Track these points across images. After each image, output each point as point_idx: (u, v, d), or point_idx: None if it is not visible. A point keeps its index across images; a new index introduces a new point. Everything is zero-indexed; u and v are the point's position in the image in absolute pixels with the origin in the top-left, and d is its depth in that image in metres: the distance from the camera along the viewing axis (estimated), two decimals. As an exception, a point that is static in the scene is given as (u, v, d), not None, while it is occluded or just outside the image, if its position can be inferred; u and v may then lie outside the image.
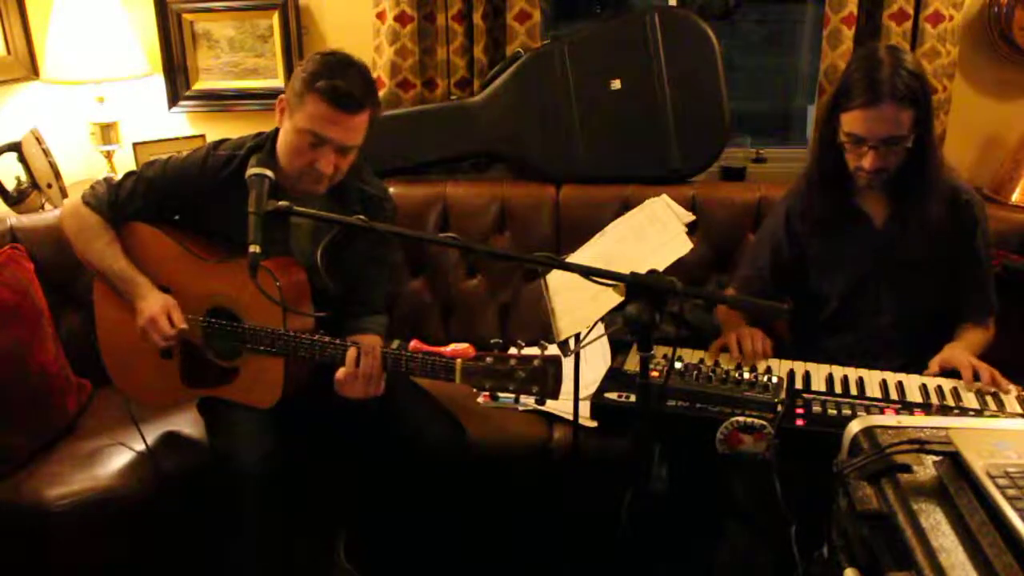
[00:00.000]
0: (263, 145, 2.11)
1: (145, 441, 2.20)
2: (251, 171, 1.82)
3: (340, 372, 1.93)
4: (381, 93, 2.91)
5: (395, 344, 2.02)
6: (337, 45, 2.19)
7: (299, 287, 2.07)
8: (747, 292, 2.32)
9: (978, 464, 1.18)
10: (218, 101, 3.15)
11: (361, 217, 1.72)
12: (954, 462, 1.24)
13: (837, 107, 2.10)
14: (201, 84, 3.15)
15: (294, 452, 2.13)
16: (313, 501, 2.38)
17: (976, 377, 2.02)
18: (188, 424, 2.30)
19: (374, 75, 2.83)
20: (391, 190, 2.44)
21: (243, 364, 2.08)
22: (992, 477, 1.15)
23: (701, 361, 2.08)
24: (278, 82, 3.05)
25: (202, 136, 3.11)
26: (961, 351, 2.12)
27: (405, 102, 2.96)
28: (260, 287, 1.76)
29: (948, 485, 1.21)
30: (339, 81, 1.95)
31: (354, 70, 2.00)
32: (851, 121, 2.06)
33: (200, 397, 2.20)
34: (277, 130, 2.09)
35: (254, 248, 1.73)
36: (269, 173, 1.81)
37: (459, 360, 1.85)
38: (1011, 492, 1.12)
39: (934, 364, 2.10)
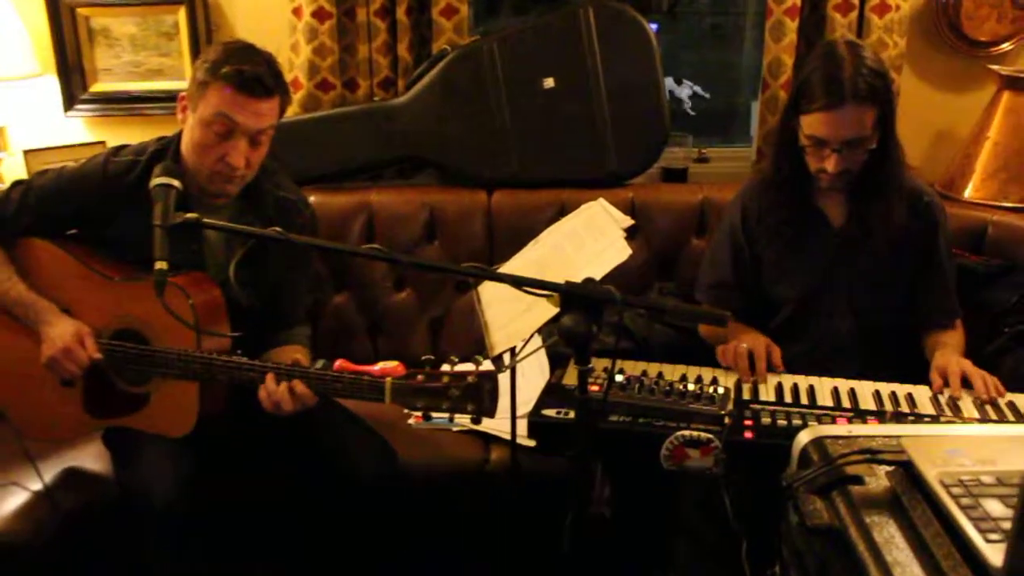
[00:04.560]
0: (166, 150, 2.07)
1: (42, 479, 2.12)
2: (155, 181, 1.78)
3: (262, 392, 1.91)
4: (299, 95, 2.90)
5: (320, 364, 1.99)
6: (250, 43, 2.16)
7: (214, 304, 2.03)
8: (718, 301, 2.34)
9: (931, 473, 1.20)
10: (119, 104, 3.08)
11: (278, 230, 1.69)
12: (907, 472, 1.26)
13: (797, 108, 2.13)
14: (100, 86, 3.07)
15: (212, 484, 2.09)
16: (236, 537, 2.32)
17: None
18: (91, 458, 2.24)
19: (290, 76, 2.82)
20: (311, 199, 2.41)
21: (154, 390, 2.03)
22: (946, 486, 1.17)
23: (643, 373, 2.09)
24: (184, 83, 2.98)
25: (102, 143, 3.03)
26: (952, 356, 2.15)
27: (325, 104, 2.94)
28: (167, 307, 1.72)
29: (901, 496, 1.22)
30: (245, 66, 1.94)
31: (260, 57, 2.00)
32: (812, 124, 2.09)
33: (106, 428, 2.14)
34: (180, 134, 2.06)
35: (160, 264, 1.69)
36: (175, 182, 1.77)
37: (388, 379, 1.83)
38: (965, 501, 1.14)
39: (935, 376, 2.11)
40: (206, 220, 1.75)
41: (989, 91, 2.98)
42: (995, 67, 2.94)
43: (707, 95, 4.07)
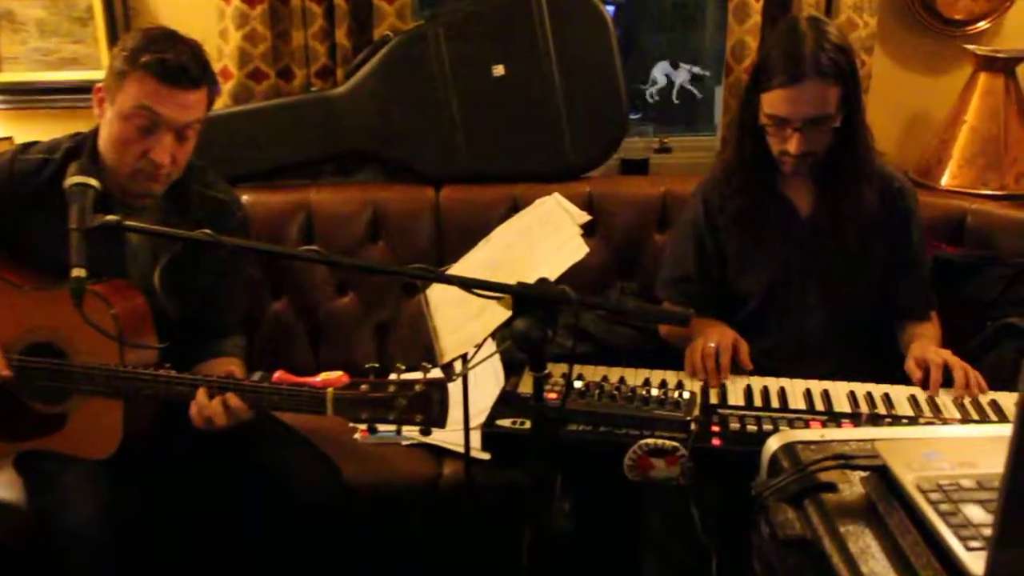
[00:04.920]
0: (82, 147, 2.04)
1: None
2: (71, 180, 1.75)
3: (193, 408, 1.88)
4: (228, 85, 2.87)
5: (256, 376, 1.98)
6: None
7: (138, 313, 2.00)
8: (681, 298, 2.34)
9: (908, 478, 1.21)
10: (27, 96, 3.03)
11: (207, 231, 1.67)
12: (882, 477, 1.26)
13: (757, 86, 2.15)
14: (5, 76, 3.01)
15: (139, 509, 2.06)
16: (167, 567, 2.29)
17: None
18: (2, 487, 2.18)
19: (219, 65, 2.79)
20: (243, 198, 2.39)
21: (72, 409, 1.99)
22: (923, 492, 1.18)
23: (604, 378, 2.09)
24: (101, 73, 2.94)
25: (8, 139, 2.98)
26: (930, 347, 2.18)
27: (257, 95, 2.91)
28: (87, 317, 1.69)
29: (877, 503, 1.23)
30: (168, 54, 1.92)
31: (185, 44, 1.97)
32: (772, 101, 2.11)
33: (18, 452, 2.09)
34: (97, 129, 2.02)
35: (78, 272, 1.67)
36: (93, 182, 1.75)
37: (330, 389, 1.82)
38: (944, 507, 1.14)
39: (912, 368, 2.14)
40: (128, 222, 1.72)
41: (965, 72, 3.03)
42: (971, 47, 2.99)
43: (707, 73, 4.06)
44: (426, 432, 1.78)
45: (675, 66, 4.06)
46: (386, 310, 2.85)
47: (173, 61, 1.92)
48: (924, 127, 3.19)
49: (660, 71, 4.06)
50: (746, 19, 2.91)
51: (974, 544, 1.07)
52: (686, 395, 1.98)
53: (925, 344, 2.20)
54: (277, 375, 2.57)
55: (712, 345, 2.16)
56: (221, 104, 2.82)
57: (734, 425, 1.92)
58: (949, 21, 3.10)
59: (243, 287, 2.35)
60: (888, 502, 1.22)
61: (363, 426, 1.80)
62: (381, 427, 1.80)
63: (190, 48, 1.98)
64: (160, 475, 2.14)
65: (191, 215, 2.08)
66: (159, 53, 1.91)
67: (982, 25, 3.10)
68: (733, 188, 2.28)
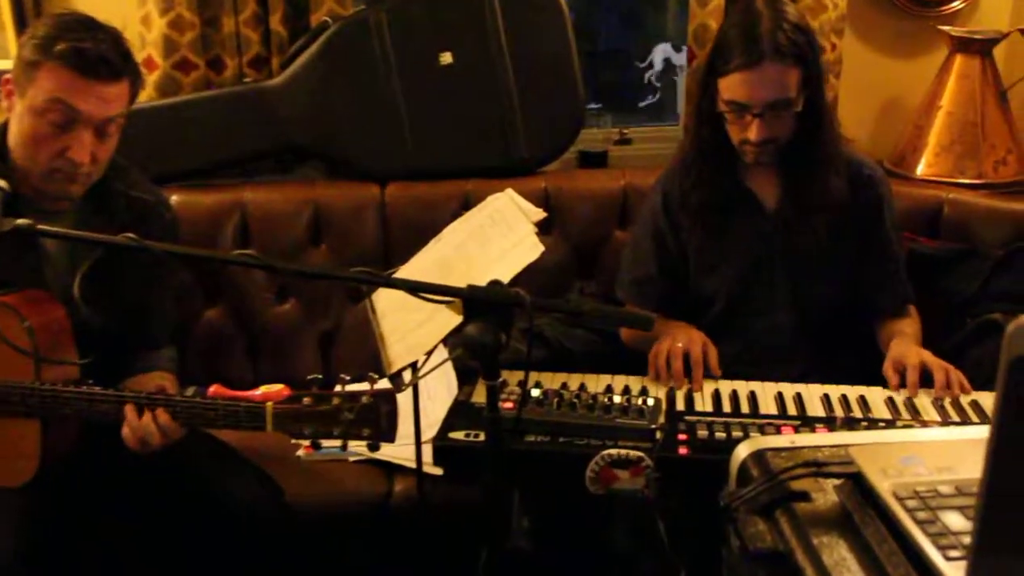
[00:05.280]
0: (-10, 146, 2.00)
1: None
2: (-25, 182, 1.73)
3: (125, 429, 1.86)
4: (153, 77, 2.84)
5: (190, 391, 1.96)
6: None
7: (56, 326, 1.97)
8: (643, 300, 2.35)
9: (884, 485, 1.22)
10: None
11: (131, 235, 1.65)
12: (857, 485, 1.27)
13: (713, 72, 2.16)
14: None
15: (63, 538, 2.02)
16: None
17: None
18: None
19: (142, 54, 2.77)
20: (172, 199, 2.37)
21: (-17, 432, 1.96)
22: (900, 499, 1.19)
23: (563, 386, 2.10)
24: (7, 64, 2.89)
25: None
26: (908, 347, 2.20)
27: (186, 87, 2.88)
28: (-2, 331, 1.67)
29: (852, 512, 1.24)
30: (85, 43, 1.89)
31: (102, 32, 1.94)
32: (730, 86, 2.12)
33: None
34: (7, 124, 1.99)
35: (-16, 282, 1.64)
36: (2, 183, 1.73)
37: (270, 403, 1.81)
38: (922, 515, 1.15)
39: (889, 371, 2.16)
40: (42, 227, 1.70)
41: (940, 55, 3.07)
42: (945, 28, 3.03)
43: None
44: (374, 447, 1.78)
45: (677, 49, 4.05)
46: (329, 318, 2.84)
47: (91, 50, 1.89)
48: (898, 113, 3.22)
49: (660, 54, 4.04)
50: (708, 1, 2.93)
51: (953, 553, 1.07)
52: (650, 402, 1.99)
53: (903, 344, 2.23)
54: (212, 389, 2.55)
55: (679, 345, 2.17)
56: (145, 97, 2.77)
57: (702, 433, 1.93)
58: (922, 1, 3.14)
59: (173, 295, 2.32)
60: (863, 511, 1.23)
61: (306, 442, 1.79)
62: (325, 443, 1.79)
63: (110, 36, 1.95)
64: (84, 502, 2.11)
65: (114, 218, 2.05)
66: (75, 42, 1.88)
67: (956, 5, 3.15)
68: (692, 182, 2.29)
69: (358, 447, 1.80)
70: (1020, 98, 3.09)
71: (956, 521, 1.13)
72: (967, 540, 1.08)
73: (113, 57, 1.92)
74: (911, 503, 1.17)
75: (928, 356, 2.15)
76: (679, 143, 3.11)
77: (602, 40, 4.23)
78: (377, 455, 2.15)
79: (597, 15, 4.16)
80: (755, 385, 2.15)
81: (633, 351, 2.37)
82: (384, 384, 1.78)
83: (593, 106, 3.20)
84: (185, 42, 2.85)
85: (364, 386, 1.76)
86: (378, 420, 1.75)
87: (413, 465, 2.08)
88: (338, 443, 1.78)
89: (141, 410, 1.86)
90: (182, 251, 1.89)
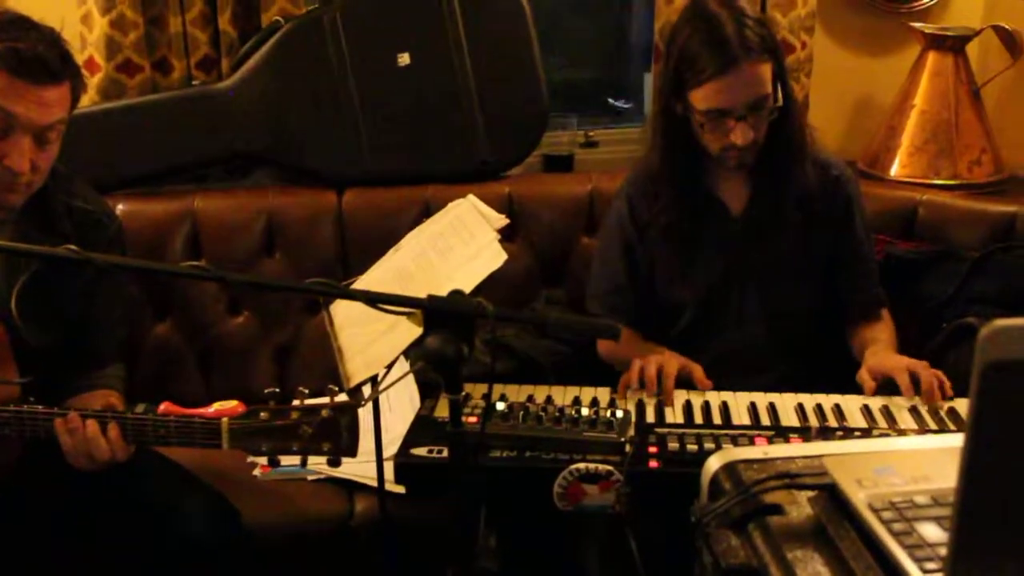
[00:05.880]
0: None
1: None
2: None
3: (66, 440, 1.85)
4: (96, 79, 2.82)
5: (140, 409, 1.95)
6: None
7: (-6, 344, 1.96)
8: (614, 313, 2.36)
9: (858, 496, 1.23)
10: None
11: (72, 247, 1.63)
12: (832, 496, 1.29)
13: (681, 84, 2.16)
14: None
15: (5, 564, 2.02)
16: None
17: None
18: None
19: (83, 56, 2.75)
20: (118, 208, 2.35)
21: (-82, 455, 1.94)
22: (875, 510, 1.20)
23: (530, 398, 2.10)
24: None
25: None
26: (887, 353, 2.22)
27: (131, 91, 2.86)
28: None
29: (827, 525, 1.25)
30: (20, 44, 1.86)
31: (39, 31, 1.92)
32: (707, 96, 2.13)
33: None
34: None
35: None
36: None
37: (225, 419, 1.81)
38: (898, 527, 1.16)
39: (865, 377, 2.16)
40: (-24, 240, 1.69)
41: (912, 53, 3.11)
42: (918, 25, 3.06)
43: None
44: (335, 463, 1.78)
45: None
46: (285, 331, 2.83)
47: (28, 51, 1.86)
48: (870, 113, 3.26)
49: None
50: (674, -2, 2.96)
51: (930, 565, 1.09)
52: (620, 414, 2.00)
53: (881, 352, 2.25)
54: (163, 407, 2.51)
55: (655, 359, 2.18)
56: (88, 101, 2.76)
57: (673, 445, 1.93)
58: (894, -2, 3.18)
59: (120, 310, 2.31)
60: (838, 523, 1.24)
61: (263, 460, 1.79)
62: (284, 460, 1.79)
63: (47, 36, 1.92)
64: (28, 528, 2.10)
65: (55, 229, 2.04)
66: (10, 42, 1.86)
67: (928, 1, 3.20)
68: (660, 200, 2.30)
69: (318, 464, 1.79)
70: (994, 97, 3.14)
71: (932, 532, 1.14)
72: (944, 551, 1.09)
73: (51, 58, 1.90)
74: (887, 514, 1.19)
75: (910, 361, 2.16)
76: (645, 150, 3.15)
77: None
78: (337, 473, 2.15)
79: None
80: (727, 395, 2.16)
81: (601, 361, 2.38)
82: (344, 398, 1.78)
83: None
84: (129, 43, 2.82)
85: (324, 400, 1.76)
86: (339, 434, 1.75)
87: (374, 483, 2.08)
88: (297, 459, 1.78)
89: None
90: (128, 263, 1.88)
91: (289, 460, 1.79)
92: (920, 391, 2.09)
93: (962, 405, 2.09)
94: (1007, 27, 3.00)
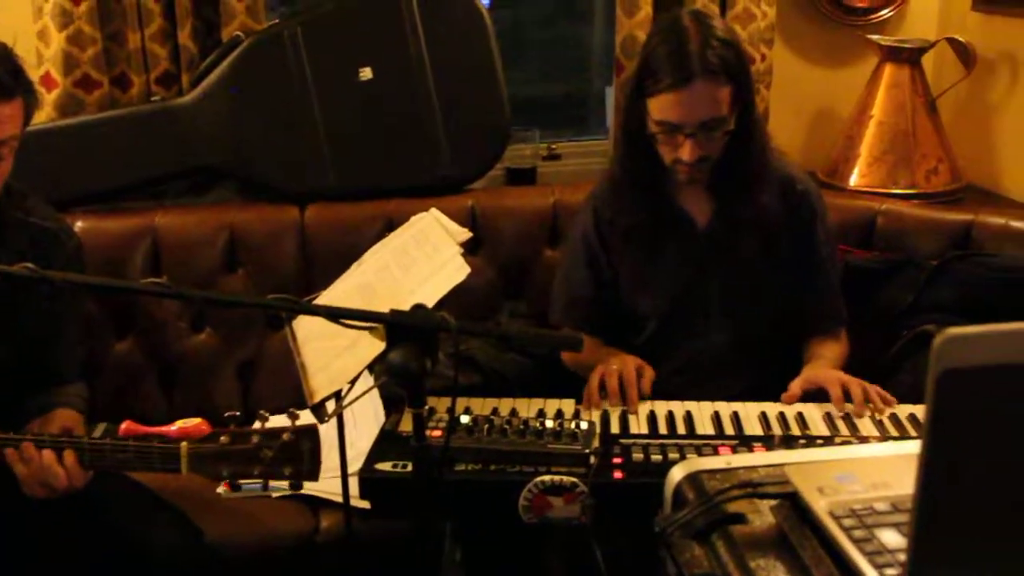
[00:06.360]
0: None
1: None
2: None
3: (22, 470, 1.83)
4: (53, 95, 2.80)
5: (100, 429, 1.93)
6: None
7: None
8: (579, 324, 2.36)
9: (819, 504, 1.24)
10: None
11: (28, 265, 1.63)
12: (794, 505, 1.30)
13: (641, 92, 2.18)
14: None
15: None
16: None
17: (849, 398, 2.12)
18: None
19: (39, 71, 2.73)
20: (76, 225, 2.33)
21: None
22: (836, 518, 1.21)
23: (494, 411, 2.10)
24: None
25: None
26: (825, 367, 2.24)
27: (89, 106, 2.84)
28: None
29: (789, 533, 1.26)
30: None
31: None
32: (661, 107, 2.14)
33: None
34: None
35: None
36: None
37: (184, 443, 1.79)
38: (858, 534, 1.18)
39: (795, 387, 2.18)
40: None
41: (870, 64, 3.15)
42: (875, 37, 3.11)
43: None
44: (296, 487, 1.78)
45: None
46: (248, 347, 2.82)
47: None
48: (830, 123, 3.30)
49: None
50: (636, 11, 2.98)
51: (890, 572, 1.10)
52: (584, 425, 2.00)
53: (818, 365, 2.27)
54: (124, 427, 2.49)
55: (614, 367, 2.19)
56: (45, 117, 2.74)
57: (637, 455, 1.94)
58: (851, 10, 3.22)
59: (80, 328, 2.29)
60: (800, 531, 1.25)
61: (224, 480, 1.78)
62: (244, 481, 1.78)
63: None
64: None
65: (11, 247, 2.02)
66: None
67: (885, 13, 3.24)
68: (622, 202, 2.31)
69: (280, 484, 1.79)
70: (949, 108, 3.18)
71: (892, 538, 1.16)
72: (903, 557, 1.11)
73: (2, 74, 1.89)
74: (847, 522, 1.20)
75: (843, 375, 2.17)
76: (608, 160, 3.17)
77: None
78: (302, 491, 2.15)
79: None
80: (691, 405, 2.16)
81: (566, 373, 2.38)
82: (307, 419, 1.77)
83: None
84: (87, 58, 2.81)
85: (284, 421, 1.75)
86: (300, 458, 1.74)
87: (339, 499, 2.08)
88: (258, 482, 1.78)
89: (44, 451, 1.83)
90: (86, 281, 1.87)
91: (250, 481, 1.79)
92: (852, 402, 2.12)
93: (921, 412, 2.11)
94: (961, 39, 3.05)
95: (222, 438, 1.77)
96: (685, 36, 2.12)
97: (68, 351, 2.21)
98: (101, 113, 2.83)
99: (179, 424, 2.58)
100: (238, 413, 1.81)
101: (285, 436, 1.74)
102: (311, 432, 1.74)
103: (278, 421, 1.77)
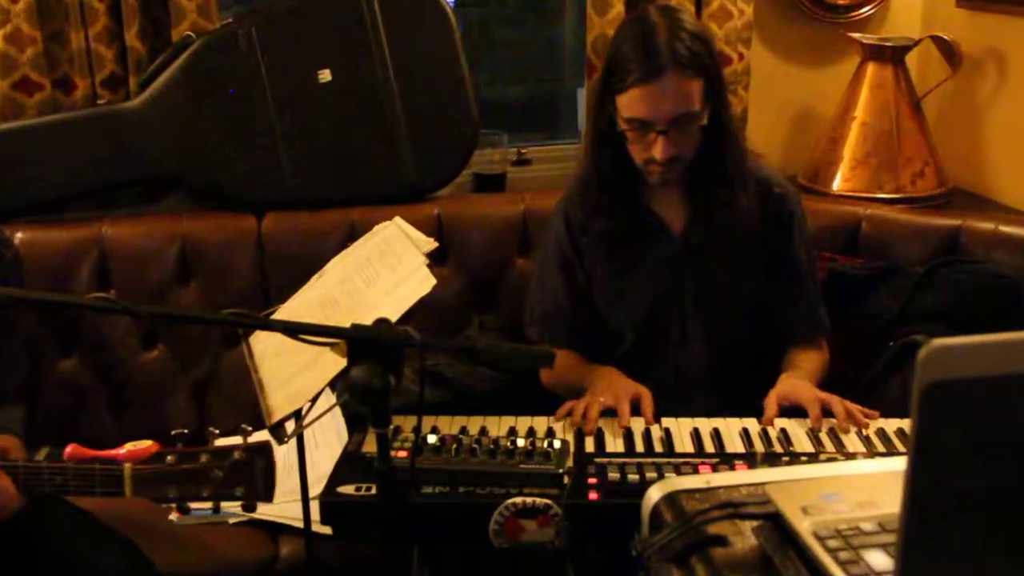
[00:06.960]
0: None
1: None
2: None
3: None
4: (-9, 99, 2.77)
5: (43, 453, 1.91)
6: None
7: None
8: (554, 337, 2.37)
9: (803, 525, 1.25)
10: None
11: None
12: (776, 525, 1.30)
13: (610, 89, 2.19)
14: None
15: None
16: None
17: (828, 413, 2.12)
18: None
19: (-25, 75, 2.69)
20: (18, 236, 2.31)
21: None
22: (821, 539, 1.22)
23: (463, 430, 2.09)
24: None
25: None
26: (801, 381, 2.24)
27: (30, 110, 2.83)
28: None
29: (772, 555, 1.26)
30: None
31: None
32: (630, 103, 2.15)
33: None
34: None
35: None
36: None
37: (128, 465, 1.78)
38: (844, 555, 1.18)
39: (771, 401, 2.18)
40: None
41: (852, 63, 3.17)
42: (857, 35, 3.13)
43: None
44: (249, 508, 1.76)
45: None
46: (203, 365, 2.81)
47: None
48: (811, 125, 3.32)
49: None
50: (608, 10, 2.99)
51: (877, 594, 1.11)
52: (557, 444, 1.99)
53: (795, 379, 2.26)
54: (69, 450, 2.46)
55: (602, 400, 2.17)
56: (-20, 122, 2.73)
57: (613, 475, 1.93)
58: (831, 7, 3.25)
59: (19, 346, 2.26)
60: (783, 553, 1.25)
61: (172, 503, 1.76)
62: (195, 505, 1.77)
63: None
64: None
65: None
66: None
67: (867, 11, 3.27)
68: (593, 209, 2.32)
69: (234, 508, 1.77)
70: (935, 108, 3.21)
71: (879, 560, 1.16)
72: (891, 580, 1.12)
73: None
74: (833, 543, 1.21)
75: (821, 393, 2.18)
76: (579, 163, 3.18)
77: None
78: (260, 515, 2.14)
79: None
80: (670, 421, 2.16)
81: (539, 389, 2.39)
82: (260, 437, 1.76)
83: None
84: (26, 59, 2.79)
85: (236, 439, 1.74)
86: (253, 477, 1.73)
87: (299, 524, 2.06)
88: (209, 505, 1.76)
89: None
90: (25, 295, 1.86)
91: (201, 505, 1.77)
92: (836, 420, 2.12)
93: (909, 426, 2.12)
94: (946, 37, 3.08)
95: (168, 458, 1.75)
96: (653, 29, 2.13)
97: (7, 371, 2.18)
98: (43, 117, 2.82)
99: (128, 447, 2.55)
100: (186, 431, 1.78)
101: (236, 454, 1.73)
102: (264, 450, 1.73)
103: (231, 441, 1.76)
